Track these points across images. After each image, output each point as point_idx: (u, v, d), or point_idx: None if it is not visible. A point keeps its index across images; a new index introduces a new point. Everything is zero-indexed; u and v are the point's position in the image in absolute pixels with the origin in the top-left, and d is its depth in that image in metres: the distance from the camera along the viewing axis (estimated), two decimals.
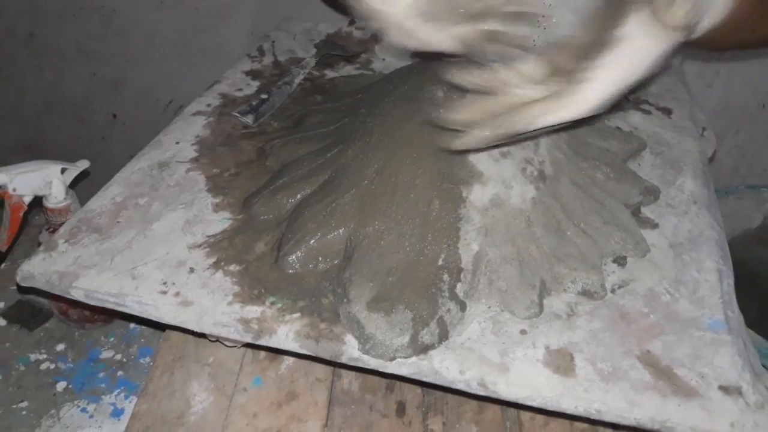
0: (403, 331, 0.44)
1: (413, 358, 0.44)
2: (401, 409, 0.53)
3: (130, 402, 0.62)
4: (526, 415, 0.52)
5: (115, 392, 0.63)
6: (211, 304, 0.47)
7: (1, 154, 1.36)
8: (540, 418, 0.52)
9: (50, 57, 1.24)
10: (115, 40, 1.20)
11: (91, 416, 0.61)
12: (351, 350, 0.45)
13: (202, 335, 0.51)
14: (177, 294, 0.48)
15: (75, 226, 0.54)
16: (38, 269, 0.50)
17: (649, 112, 0.72)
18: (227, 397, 0.53)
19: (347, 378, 0.55)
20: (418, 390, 0.54)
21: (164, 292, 0.48)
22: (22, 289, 0.55)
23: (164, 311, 0.47)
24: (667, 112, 0.73)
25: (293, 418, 0.52)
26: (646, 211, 0.57)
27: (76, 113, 1.31)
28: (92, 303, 0.49)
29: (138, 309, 0.48)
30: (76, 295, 0.49)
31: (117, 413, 0.62)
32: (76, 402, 0.62)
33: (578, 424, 0.52)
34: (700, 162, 0.64)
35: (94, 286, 0.48)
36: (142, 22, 1.17)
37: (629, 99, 0.74)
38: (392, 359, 0.44)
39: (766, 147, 1.10)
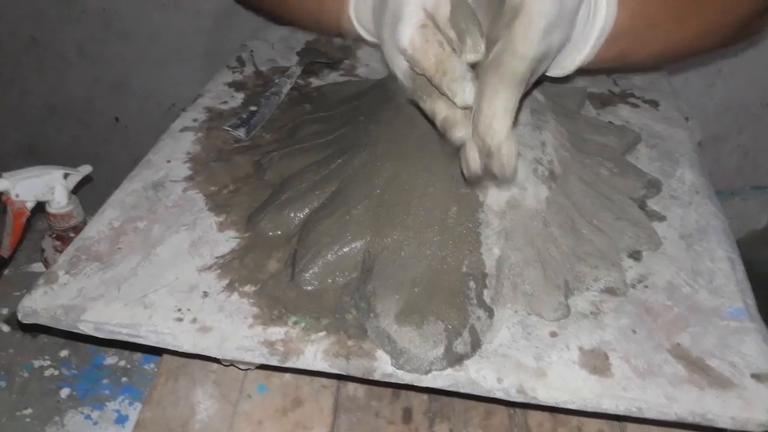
0: (437, 343, 0.43)
1: (449, 370, 0.43)
2: (407, 416, 0.52)
3: (134, 408, 0.61)
4: (533, 420, 0.52)
5: (120, 399, 0.62)
6: (231, 328, 0.45)
7: (4, 158, 1.32)
8: (548, 423, 0.52)
9: (52, 60, 1.21)
10: (117, 43, 1.17)
11: (95, 423, 0.59)
12: (384, 366, 0.43)
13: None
14: (194, 320, 0.46)
15: (74, 255, 0.51)
16: (41, 304, 0.47)
17: (637, 105, 0.73)
18: (232, 404, 0.52)
19: (353, 384, 0.54)
20: (425, 396, 0.54)
21: (180, 319, 0.46)
22: (23, 326, 0.52)
23: (182, 339, 0.45)
24: (654, 104, 0.74)
25: (298, 425, 0.50)
26: (652, 204, 0.58)
27: (79, 116, 1.28)
28: (103, 336, 0.46)
29: (155, 339, 0.45)
30: (86, 329, 0.46)
31: (121, 420, 0.60)
32: (80, 409, 0.61)
33: (586, 429, 0.52)
34: (694, 152, 0.65)
35: (104, 318, 0.46)
36: (143, 24, 1.14)
37: (615, 93, 0.75)
38: (427, 372, 0.43)
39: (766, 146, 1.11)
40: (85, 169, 0.68)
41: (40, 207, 0.67)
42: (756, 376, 0.43)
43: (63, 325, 0.46)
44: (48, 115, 1.28)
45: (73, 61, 1.20)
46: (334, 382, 0.54)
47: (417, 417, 0.52)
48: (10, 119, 1.30)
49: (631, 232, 0.52)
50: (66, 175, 0.66)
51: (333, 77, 0.77)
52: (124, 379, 0.63)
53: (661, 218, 0.56)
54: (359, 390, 0.53)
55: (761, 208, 0.98)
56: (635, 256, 0.52)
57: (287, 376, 0.54)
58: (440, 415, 0.52)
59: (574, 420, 0.50)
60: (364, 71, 0.79)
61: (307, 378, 0.54)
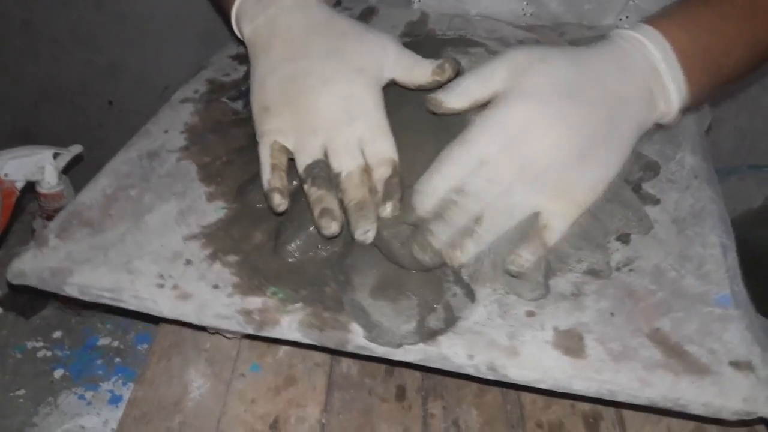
0: (410, 318, 0.43)
1: (420, 345, 0.43)
2: (401, 393, 0.53)
3: (127, 389, 0.62)
4: (527, 398, 0.52)
5: (113, 379, 0.63)
6: (211, 296, 0.46)
7: None
8: (541, 400, 0.52)
9: (45, 44, 1.22)
10: (111, 25, 1.18)
11: (89, 403, 0.60)
12: (357, 338, 0.44)
13: (202, 327, 0.49)
14: (175, 287, 0.47)
15: (65, 220, 0.52)
16: (29, 266, 0.48)
17: None
18: (225, 383, 0.53)
19: (346, 362, 0.54)
20: (418, 374, 0.54)
21: (161, 286, 0.47)
22: (12, 287, 0.54)
23: (162, 305, 0.46)
24: None
25: (292, 403, 0.51)
26: (647, 187, 0.56)
27: (72, 100, 1.29)
28: (87, 299, 0.47)
29: (135, 304, 0.46)
30: (71, 291, 0.47)
31: (115, 400, 0.61)
32: (73, 389, 0.62)
33: (580, 406, 0.51)
34: (698, 135, 0.64)
35: (89, 281, 0.47)
36: (137, 7, 1.15)
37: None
38: (399, 346, 0.43)
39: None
40: (76, 149, 0.68)
41: (30, 187, 0.67)
42: (734, 364, 0.42)
43: (49, 287, 0.48)
44: (41, 99, 1.29)
45: (66, 44, 1.20)
46: (327, 360, 0.54)
47: (410, 394, 0.52)
48: (2, 104, 1.31)
49: (621, 214, 0.51)
50: (56, 155, 0.66)
51: None
52: (117, 359, 0.64)
53: (656, 202, 0.55)
54: (353, 368, 0.54)
55: (757, 187, 0.96)
56: (624, 239, 0.51)
57: (281, 354, 0.54)
58: (434, 392, 0.52)
59: (568, 398, 0.50)
60: None
61: (300, 356, 0.54)
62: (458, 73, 0.49)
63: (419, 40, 0.68)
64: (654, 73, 0.47)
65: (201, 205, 0.54)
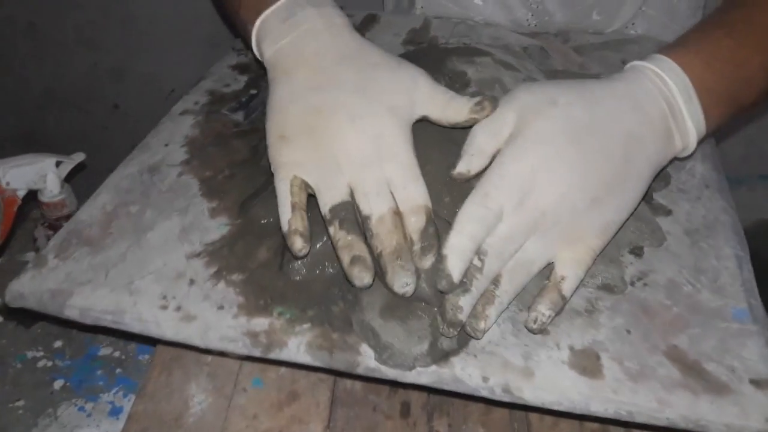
0: (422, 339, 0.42)
1: (433, 367, 0.42)
2: (406, 410, 0.51)
3: (128, 400, 0.61)
4: (534, 416, 0.51)
5: (114, 390, 0.62)
6: (215, 317, 0.45)
7: (2, 145, 1.33)
8: (549, 418, 0.50)
9: (51, 46, 1.21)
10: (117, 28, 1.17)
11: (89, 415, 0.59)
12: (367, 361, 0.42)
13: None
14: (178, 308, 0.45)
15: (65, 239, 0.51)
16: (28, 288, 0.47)
17: None
18: (226, 397, 0.51)
19: (350, 379, 0.53)
20: (423, 390, 0.53)
21: (165, 307, 0.45)
22: (16, 316, 0.53)
23: (165, 327, 0.45)
24: None
25: (294, 420, 0.50)
26: (658, 198, 0.55)
27: (78, 103, 1.28)
28: (88, 322, 0.46)
29: (138, 327, 0.45)
30: (71, 314, 0.46)
31: (115, 412, 0.60)
32: (73, 400, 0.60)
33: (588, 424, 0.50)
34: (708, 144, 0.62)
35: (89, 303, 0.46)
36: (143, 10, 1.14)
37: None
38: (411, 368, 0.42)
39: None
40: (78, 157, 0.67)
41: (33, 196, 0.67)
42: (755, 382, 0.41)
43: (49, 310, 0.46)
44: (46, 102, 1.29)
45: (71, 47, 1.20)
46: (330, 375, 0.53)
47: (415, 411, 0.51)
48: (7, 106, 1.30)
49: (633, 226, 0.50)
50: (58, 163, 0.65)
51: None
52: (118, 370, 0.63)
53: (667, 212, 0.54)
54: (356, 384, 0.53)
55: None
56: (637, 252, 0.50)
57: (283, 369, 0.53)
58: (439, 409, 0.51)
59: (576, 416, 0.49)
60: None
61: (303, 371, 0.53)
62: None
63: (423, 48, 0.67)
64: (672, 109, 0.46)
65: (204, 222, 0.52)
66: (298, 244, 0.43)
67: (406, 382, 0.42)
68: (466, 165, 0.45)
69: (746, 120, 1.08)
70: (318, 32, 0.48)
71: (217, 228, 0.52)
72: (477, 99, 0.46)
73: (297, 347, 0.43)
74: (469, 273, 0.41)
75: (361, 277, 0.41)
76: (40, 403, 0.60)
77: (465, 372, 0.42)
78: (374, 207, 0.43)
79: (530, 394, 0.41)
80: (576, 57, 0.72)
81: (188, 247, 0.50)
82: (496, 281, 0.42)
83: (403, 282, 0.41)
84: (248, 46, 0.54)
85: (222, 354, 0.53)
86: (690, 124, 0.46)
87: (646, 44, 0.75)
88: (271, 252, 0.50)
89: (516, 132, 0.44)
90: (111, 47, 1.18)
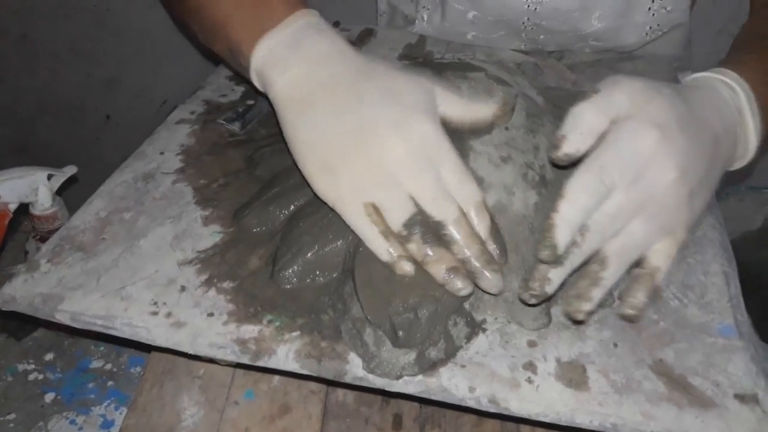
0: (409, 348, 0.42)
1: (420, 376, 0.42)
2: (398, 422, 0.52)
3: (120, 413, 0.60)
4: (526, 428, 0.51)
5: (105, 403, 0.61)
6: (205, 324, 0.45)
7: None
8: (540, 430, 0.51)
9: (43, 57, 1.21)
10: (109, 40, 1.17)
11: (80, 428, 0.59)
12: (355, 369, 0.43)
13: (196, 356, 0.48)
14: (168, 314, 0.46)
15: (58, 244, 0.51)
16: (20, 292, 0.47)
17: None
18: (218, 410, 0.51)
19: (342, 390, 0.53)
20: (415, 402, 0.53)
21: (155, 313, 0.46)
22: (2, 323, 0.53)
23: (155, 333, 0.45)
24: None
25: None
26: None
27: (70, 114, 1.28)
28: (79, 326, 0.46)
29: (128, 332, 0.45)
30: (62, 318, 0.46)
31: (107, 425, 0.60)
32: (64, 414, 0.60)
33: None
34: None
35: (81, 308, 0.46)
36: (135, 21, 1.14)
37: None
38: (399, 378, 0.42)
39: (766, 147, 1.09)
40: (70, 170, 0.66)
41: (24, 209, 0.67)
42: (739, 397, 0.42)
43: (40, 314, 0.46)
44: (39, 113, 1.29)
45: (64, 58, 1.20)
46: (323, 387, 0.53)
47: (407, 423, 0.51)
48: (0, 117, 1.30)
49: None
50: (50, 176, 0.65)
51: None
52: (110, 382, 0.62)
53: None
54: (349, 396, 0.53)
55: (756, 208, 0.95)
56: None
57: (275, 381, 0.53)
58: (431, 421, 0.51)
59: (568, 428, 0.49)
60: None
61: (295, 383, 0.53)
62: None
63: (417, 63, 0.68)
64: (740, 119, 0.47)
65: (196, 229, 0.53)
66: (408, 268, 0.43)
67: (393, 391, 0.42)
68: (575, 144, 0.42)
69: None
70: (329, 58, 0.47)
71: (210, 236, 0.52)
72: (499, 97, 0.47)
73: (285, 355, 0.43)
74: (568, 248, 0.40)
75: (467, 286, 0.42)
76: (31, 417, 0.59)
77: (452, 382, 0.42)
78: (447, 211, 0.43)
79: (516, 406, 0.41)
80: (569, 74, 0.73)
81: (180, 254, 0.50)
82: (602, 262, 0.41)
83: (501, 285, 0.42)
84: (230, 64, 0.52)
85: (212, 361, 0.53)
86: (752, 136, 0.48)
87: (639, 62, 0.76)
88: (262, 260, 0.50)
89: (629, 114, 0.43)
90: (103, 58, 1.19)
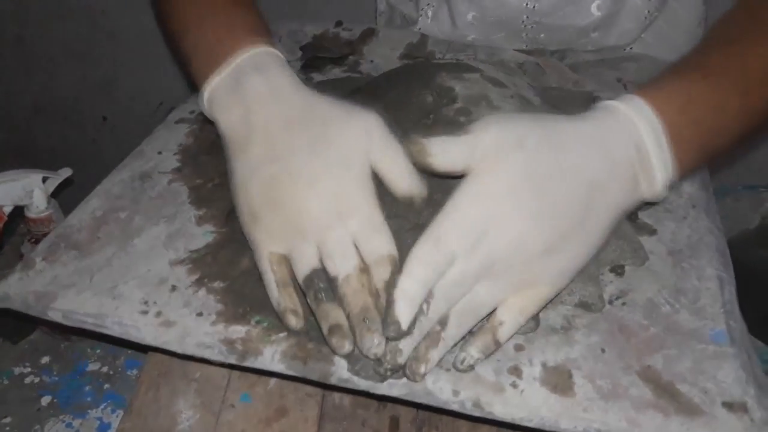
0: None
1: (405, 379, 0.42)
2: (395, 425, 0.52)
3: (117, 416, 0.60)
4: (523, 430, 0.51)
5: (102, 406, 0.61)
6: (194, 324, 0.45)
7: None
8: None
9: (39, 59, 1.22)
10: (105, 41, 1.17)
11: (77, 431, 0.59)
12: (340, 371, 0.43)
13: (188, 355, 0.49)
14: (158, 314, 0.46)
15: (53, 242, 0.52)
16: (14, 289, 0.48)
17: None
18: (214, 414, 0.51)
19: (338, 393, 0.53)
20: (412, 405, 0.53)
21: (145, 312, 0.46)
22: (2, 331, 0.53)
23: (145, 332, 0.45)
24: None
25: None
26: (644, 217, 0.55)
27: (66, 116, 1.29)
28: (71, 324, 0.47)
29: (118, 330, 0.46)
30: (54, 316, 0.47)
31: (103, 428, 0.60)
32: (61, 417, 0.60)
33: None
34: None
35: (73, 306, 0.47)
36: (131, 23, 1.15)
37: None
38: (383, 380, 0.42)
39: (762, 145, 1.08)
40: (65, 173, 0.67)
41: (19, 211, 0.67)
42: (728, 405, 0.41)
43: (33, 312, 0.47)
44: (35, 115, 1.29)
45: (60, 60, 1.20)
46: (319, 390, 0.53)
47: (404, 426, 0.51)
48: None
49: (615, 245, 0.50)
50: (45, 179, 0.65)
51: (335, 73, 0.77)
52: (106, 385, 0.63)
53: (652, 232, 0.54)
54: (345, 398, 0.53)
55: (753, 208, 0.94)
56: (618, 270, 0.50)
57: (271, 384, 0.53)
58: (428, 423, 0.51)
59: None
60: (367, 67, 0.78)
61: (291, 386, 0.53)
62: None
63: (413, 64, 0.68)
64: (640, 154, 0.44)
65: (190, 229, 0.53)
66: (293, 322, 0.44)
67: (378, 394, 0.42)
68: (438, 166, 0.43)
69: None
70: (264, 100, 0.48)
71: (203, 235, 0.53)
72: (420, 181, 0.47)
73: (272, 356, 0.44)
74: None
75: (340, 345, 0.41)
76: (27, 420, 0.60)
77: (436, 385, 0.42)
78: (339, 267, 0.43)
79: (500, 410, 0.41)
80: (571, 74, 0.72)
81: (173, 254, 0.51)
82: (443, 322, 0.41)
83: (368, 345, 0.40)
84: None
85: (206, 361, 0.53)
86: (658, 170, 0.44)
87: (642, 61, 0.75)
88: (253, 261, 0.50)
89: (477, 172, 0.42)
90: (99, 60, 1.19)
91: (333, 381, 0.43)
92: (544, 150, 0.42)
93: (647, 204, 0.54)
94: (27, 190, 0.65)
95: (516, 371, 0.43)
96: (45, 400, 0.61)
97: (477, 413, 0.41)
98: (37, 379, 0.63)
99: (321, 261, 0.44)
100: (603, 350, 0.44)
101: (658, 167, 0.44)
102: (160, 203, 0.56)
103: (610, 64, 0.75)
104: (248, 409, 0.52)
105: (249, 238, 0.47)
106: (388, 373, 0.41)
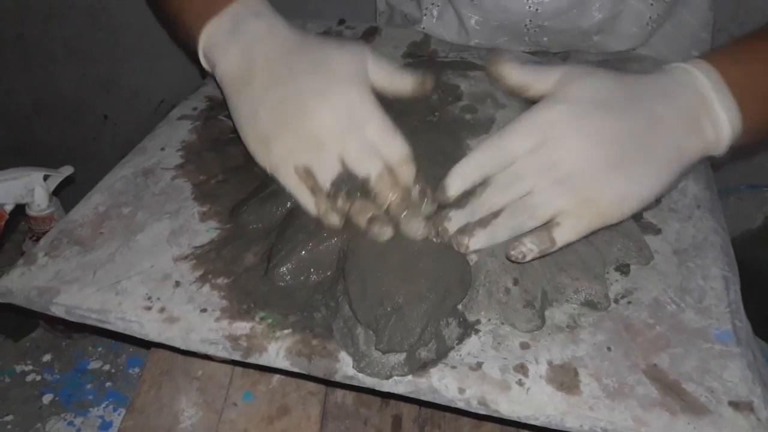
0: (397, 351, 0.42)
1: (410, 377, 0.42)
2: (397, 423, 0.51)
3: (118, 414, 0.60)
4: (525, 430, 0.50)
5: (103, 404, 0.61)
6: (198, 320, 0.45)
7: None
8: None
9: (39, 57, 1.21)
10: (105, 39, 1.17)
11: (79, 430, 0.59)
12: (345, 368, 0.43)
13: (191, 351, 0.48)
14: (162, 309, 0.46)
15: (56, 238, 0.51)
16: (17, 284, 0.47)
17: None
18: (216, 412, 0.51)
19: (341, 391, 0.53)
20: (415, 403, 0.52)
21: (149, 308, 0.46)
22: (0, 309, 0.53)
23: (149, 328, 0.45)
24: None
25: None
26: (649, 216, 0.55)
27: (67, 114, 1.28)
28: (74, 320, 0.46)
29: (122, 326, 0.46)
30: (57, 311, 0.46)
31: (105, 427, 0.60)
32: (62, 415, 0.60)
33: None
34: (701, 163, 0.62)
35: (76, 302, 0.46)
36: (131, 21, 1.14)
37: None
38: (388, 377, 0.42)
39: (765, 144, 1.08)
40: (66, 170, 0.66)
41: (21, 209, 0.66)
42: (734, 404, 0.41)
43: (36, 307, 0.47)
44: (35, 113, 1.28)
45: (60, 58, 1.19)
46: (321, 388, 0.53)
47: (407, 424, 0.51)
48: None
49: (620, 244, 0.50)
50: (46, 177, 0.65)
51: None
52: (108, 383, 0.62)
53: (657, 231, 0.54)
54: (348, 397, 0.53)
55: (757, 207, 0.94)
56: (623, 269, 0.50)
57: (274, 382, 0.53)
58: (431, 422, 0.51)
59: None
60: None
61: (294, 384, 0.53)
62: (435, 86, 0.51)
63: (418, 62, 0.68)
64: (702, 100, 0.46)
65: (194, 225, 0.53)
66: (335, 220, 0.47)
67: (383, 391, 0.42)
68: (512, 66, 0.48)
69: None
70: (263, 37, 0.50)
71: (207, 232, 0.52)
72: (419, 74, 0.50)
73: (276, 352, 0.43)
74: (468, 196, 0.44)
75: (383, 232, 0.45)
76: (29, 419, 0.59)
77: (442, 383, 0.42)
78: (370, 167, 0.46)
79: (506, 408, 0.41)
80: None
81: (176, 250, 0.50)
82: (495, 214, 0.44)
83: (416, 227, 0.45)
84: (190, 51, 0.55)
85: (208, 357, 0.53)
86: (722, 114, 0.46)
87: (646, 63, 0.75)
88: (257, 257, 0.50)
89: (551, 92, 0.46)
90: (100, 58, 1.18)
91: (338, 378, 0.43)
92: (611, 80, 0.46)
93: (656, 202, 0.55)
94: (28, 188, 0.65)
95: (522, 369, 0.42)
96: (46, 398, 0.61)
97: (482, 411, 0.41)
98: (38, 377, 0.63)
99: (345, 167, 0.47)
100: (609, 348, 0.44)
101: (722, 112, 0.46)
102: (163, 199, 0.55)
103: (612, 65, 0.75)
104: (250, 407, 0.51)
105: (266, 163, 0.49)
106: (439, 233, 0.45)
